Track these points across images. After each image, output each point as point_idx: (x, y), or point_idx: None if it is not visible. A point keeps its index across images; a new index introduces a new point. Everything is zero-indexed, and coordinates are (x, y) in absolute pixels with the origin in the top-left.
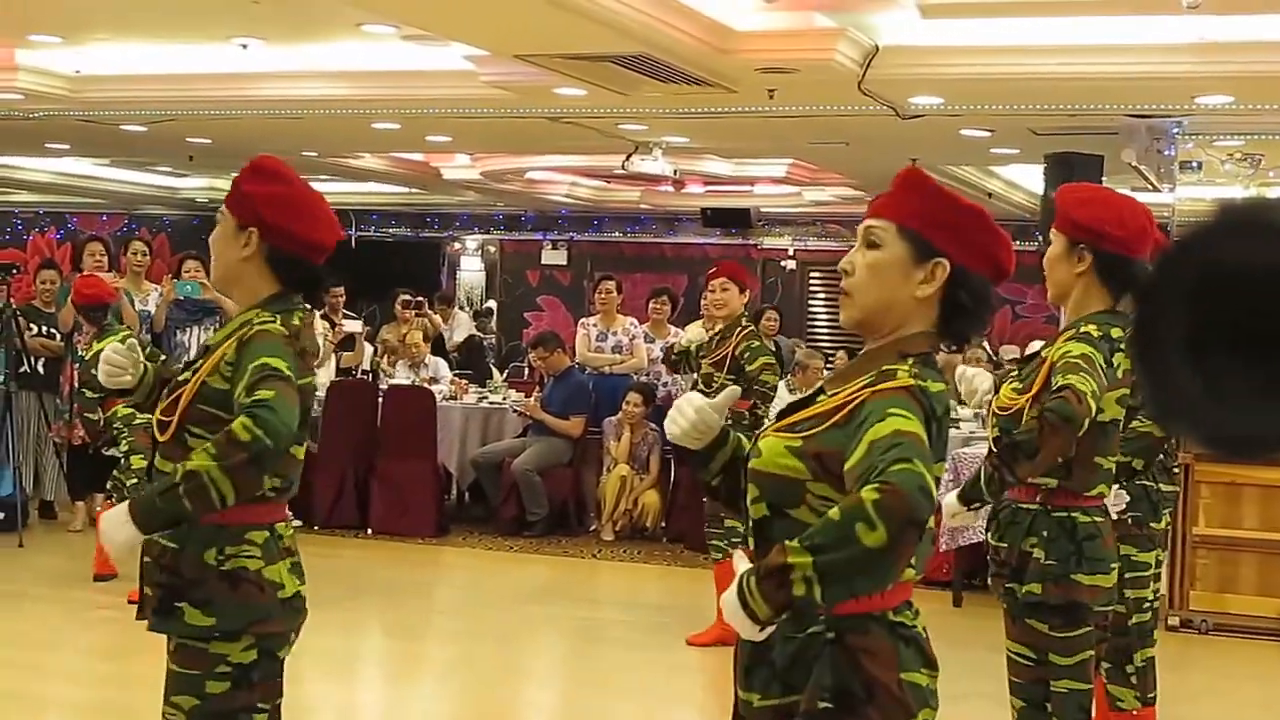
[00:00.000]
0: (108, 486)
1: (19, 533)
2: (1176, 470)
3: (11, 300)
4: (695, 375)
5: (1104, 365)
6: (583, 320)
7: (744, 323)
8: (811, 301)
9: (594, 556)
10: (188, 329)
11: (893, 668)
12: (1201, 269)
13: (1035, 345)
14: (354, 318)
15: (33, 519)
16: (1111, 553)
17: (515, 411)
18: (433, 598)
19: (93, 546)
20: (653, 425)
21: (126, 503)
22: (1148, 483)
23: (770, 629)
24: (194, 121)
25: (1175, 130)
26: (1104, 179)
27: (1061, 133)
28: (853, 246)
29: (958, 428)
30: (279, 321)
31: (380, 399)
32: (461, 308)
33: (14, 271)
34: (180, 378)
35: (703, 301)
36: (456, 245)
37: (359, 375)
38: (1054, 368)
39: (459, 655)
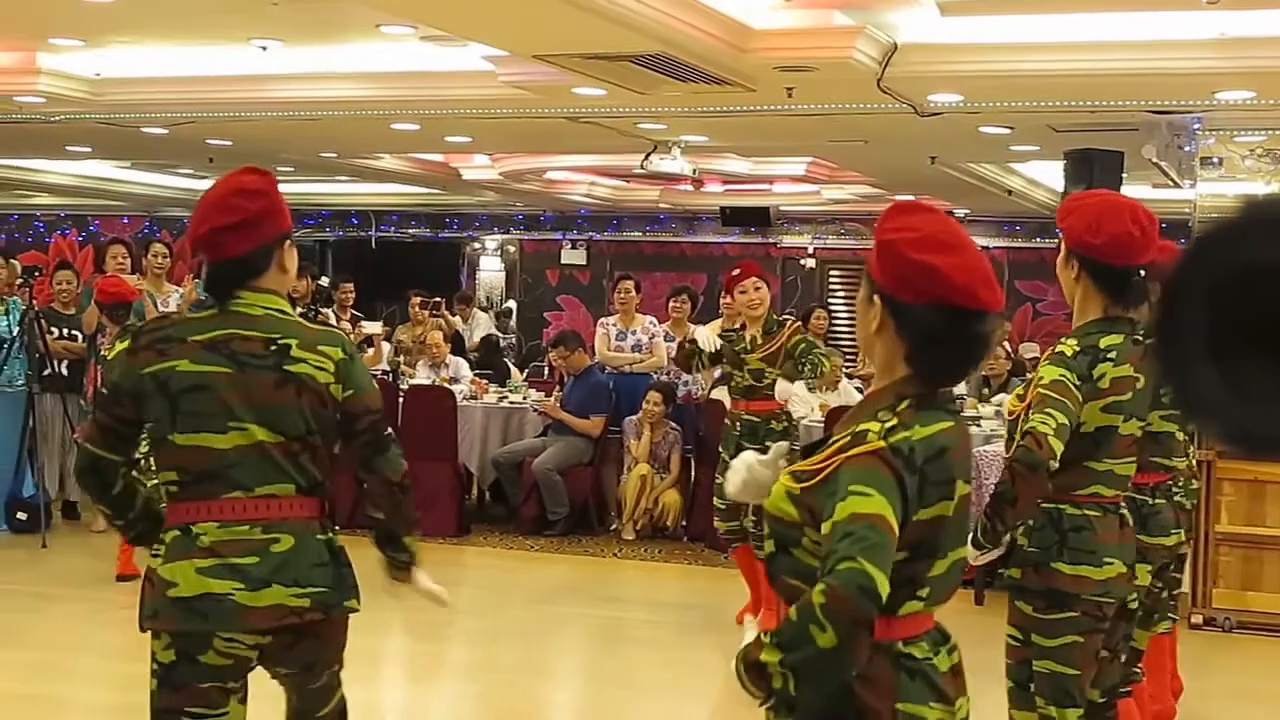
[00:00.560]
0: None
1: (42, 533)
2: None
3: (34, 302)
4: (699, 374)
5: (1078, 381)
6: (602, 319)
7: (786, 319)
8: (831, 300)
9: (615, 556)
10: None
11: (889, 697)
12: (1223, 266)
13: (1032, 349)
14: (361, 318)
15: (56, 520)
16: (1108, 546)
17: (535, 411)
18: (454, 598)
19: (115, 547)
20: (673, 424)
21: None
22: (1136, 496)
23: (771, 700)
24: (214, 123)
25: (1196, 126)
26: (1124, 175)
27: (1081, 129)
28: (872, 245)
29: (978, 425)
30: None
31: (400, 399)
32: (481, 307)
33: (36, 274)
34: None
35: (726, 301)
36: (476, 245)
37: (379, 376)
38: (1032, 390)
39: (481, 655)
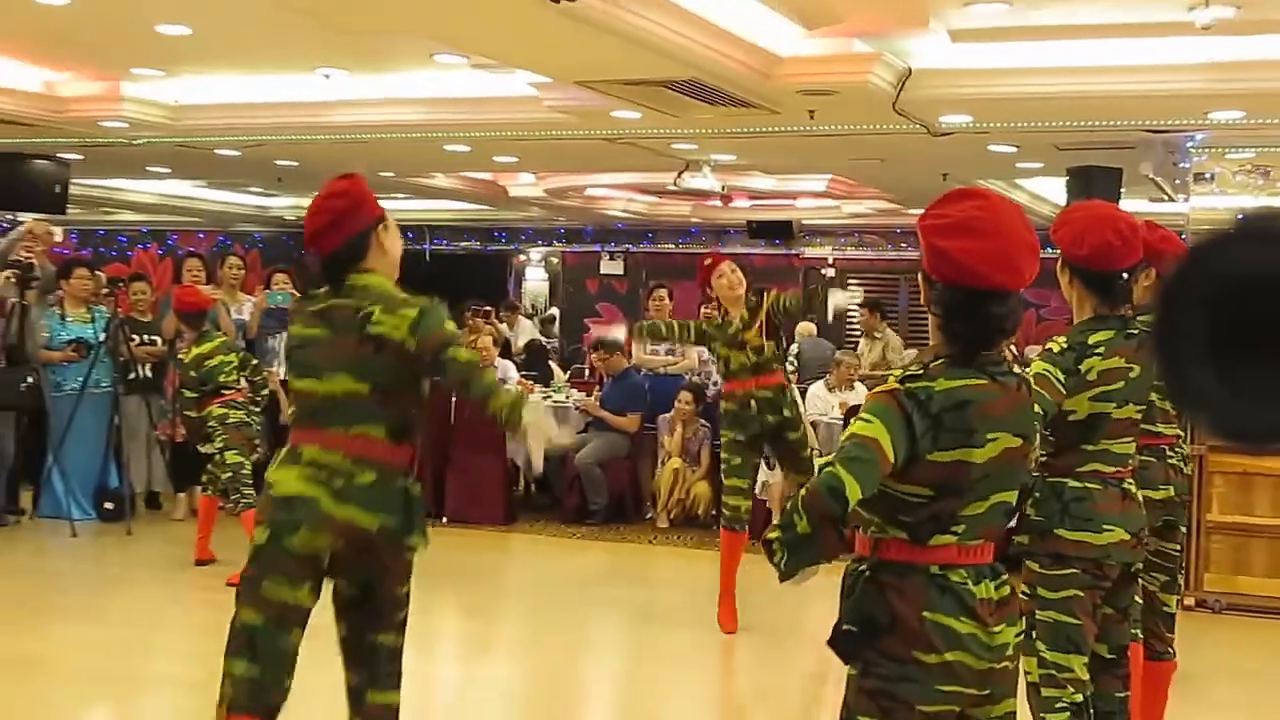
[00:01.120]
0: (203, 480)
1: (127, 522)
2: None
3: (118, 311)
4: (714, 357)
5: (1062, 375)
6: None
7: (763, 290)
8: (850, 306)
9: (650, 542)
10: (278, 335)
11: (917, 606)
12: (1218, 275)
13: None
14: None
15: (140, 509)
16: (1108, 515)
17: (577, 409)
18: (503, 581)
19: (194, 534)
20: (703, 421)
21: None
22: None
23: (791, 579)
24: (282, 146)
25: (1189, 144)
26: (1123, 190)
27: (1082, 147)
28: (888, 256)
29: None
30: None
31: (454, 398)
32: (526, 315)
33: (120, 285)
34: None
35: (708, 293)
36: (522, 257)
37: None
38: None
39: (528, 634)
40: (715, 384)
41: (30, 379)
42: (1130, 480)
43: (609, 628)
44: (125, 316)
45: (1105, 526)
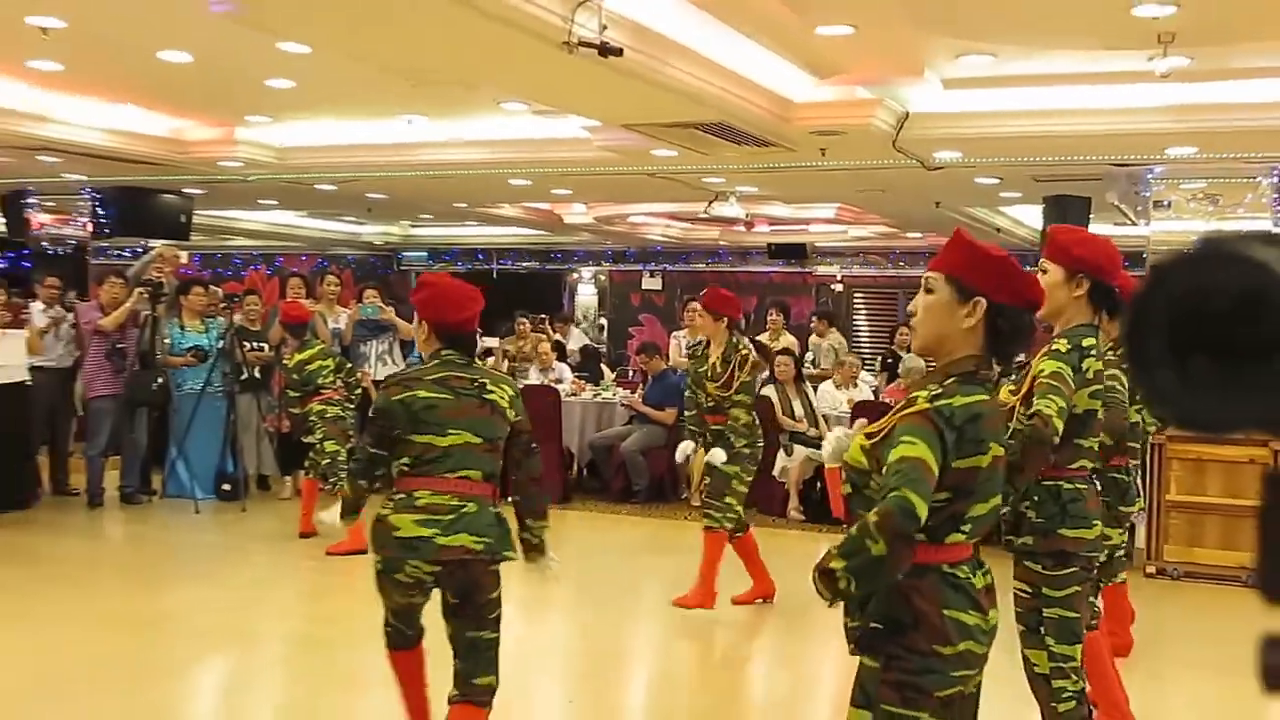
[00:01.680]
0: (305, 465)
1: (241, 501)
2: (1134, 465)
3: (235, 321)
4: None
5: (1073, 372)
6: (674, 333)
7: (740, 346)
8: (855, 317)
9: (684, 519)
10: (368, 342)
11: (936, 604)
12: (1179, 288)
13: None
14: (481, 333)
15: (252, 490)
16: (1094, 511)
17: (622, 405)
18: (559, 551)
19: (298, 511)
20: None
21: None
22: (1119, 475)
23: (840, 602)
24: (372, 181)
25: (1149, 176)
26: (1091, 216)
27: (1056, 179)
28: (889, 274)
29: None
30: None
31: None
32: (577, 324)
33: (234, 300)
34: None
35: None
36: (575, 275)
37: None
38: (1035, 381)
39: (581, 596)
40: None
41: (160, 380)
42: (1094, 477)
43: (648, 591)
44: (239, 326)
45: (1093, 522)
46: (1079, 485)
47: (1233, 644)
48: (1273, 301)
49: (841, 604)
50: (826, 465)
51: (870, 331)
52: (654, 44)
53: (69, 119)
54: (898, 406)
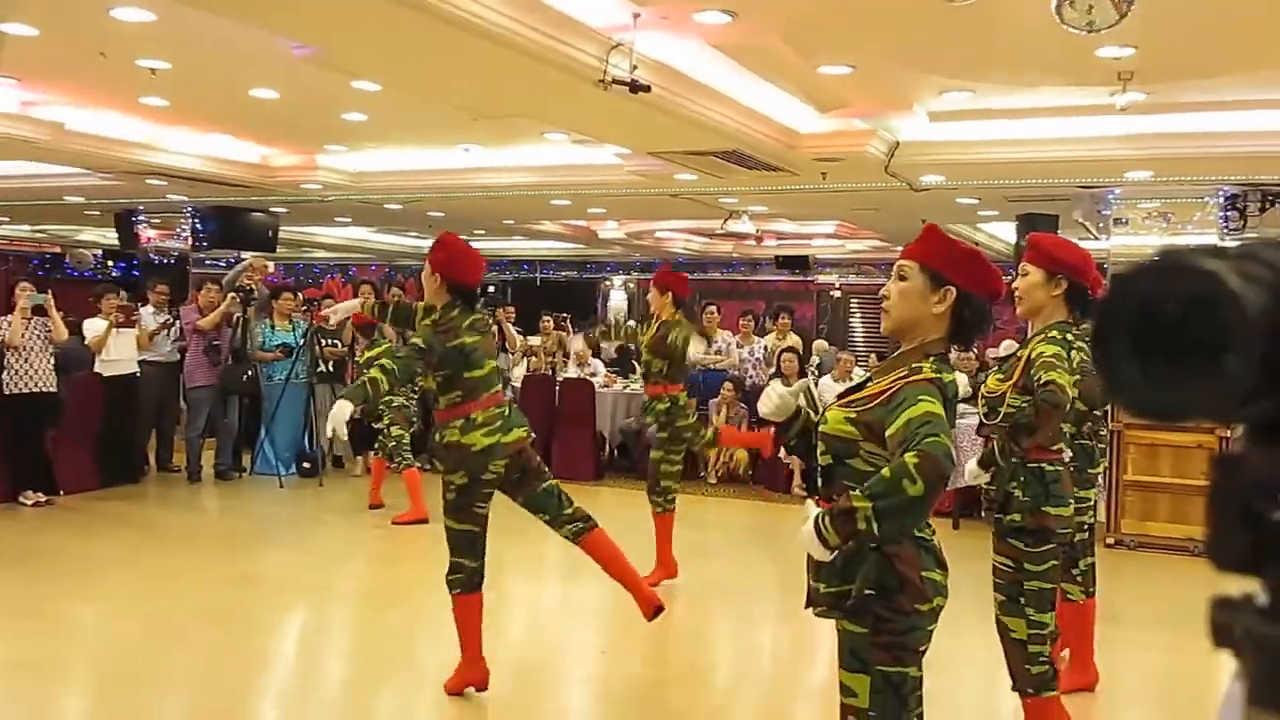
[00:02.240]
0: (375, 446)
1: (319, 477)
2: (1104, 433)
3: (313, 323)
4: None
5: (1066, 358)
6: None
7: (678, 322)
8: (851, 320)
9: (703, 495)
10: None
11: (916, 567)
12: (1138, 294)
13: (1011, 346)
14: (524, 333)
15: (328, 468)
16: (1069, 492)
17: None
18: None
19: (368, 486)
20: (742, 404)
21: None
22: (1085, 441)
23: (836, 553)
24: (433, 201)
25: (1110, 196)
26: (1059, 231)
27: (1028, 199)
28: (886, 280)
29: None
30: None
31: (557, 387)
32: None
33: (313, 304)
34: None
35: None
36: (607, 283)
37: (544, 372)
38: (1032, 363)
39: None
40: (750, 377)
41: (249, 372)
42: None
43: (675, 559)
44: (317, 327)
45: (1069, 501)
46: (1058, 467)
47: (1181, 606)
48: (1221, 307)
49: (821, 562)
50: (766, 415)
51: (866, 333)
52: (678, 82)
53: (173, 147)
54: (884, 375)
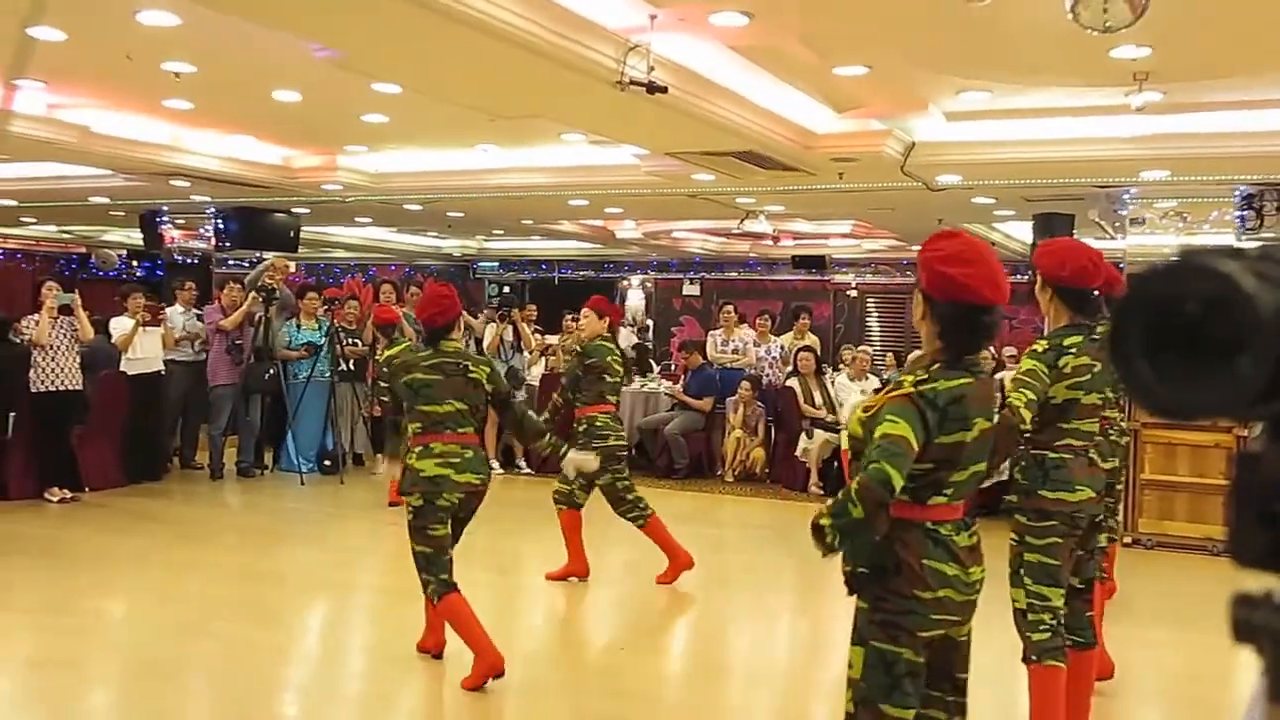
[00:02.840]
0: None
1: (340, 474)
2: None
3: (334, 322)
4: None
5: (1046, 369)
6: (711, 332)
7: (603, 344)
8: (868, 319)
9: (719, 493)
10: None
11: (917, 555)
12: (1154, 295)
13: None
14: (543, 331)
15: (349, 466)
16: (1079, 478)
17: (666, 394)
18: (612, 520)
19: (388, 483)
20: (759, 402)
21: None
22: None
23: (831, 554)
24: (452, 201)
25: (1126, 196)
26: (1075, 231)
27: (1045, 199)
28: (897, 281)
29: None
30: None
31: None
32: (625, 325)
33: (334, 304)
34: None
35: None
36: (625, 282)
37: (561, 370)
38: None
39: (629, 560)
40: (767, 376)
41: (272, 370)
42: (1095, 451)
43: (691, 553)
44: (339, 326)
45: (1078, 487)
46: (1064, 456)
47: (1199, 603)
48: (1236, 308)
49: (833, 554)
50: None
51: (881, 330)
52: (695, 83)
53: (197, 149)
54: (888, 388)
